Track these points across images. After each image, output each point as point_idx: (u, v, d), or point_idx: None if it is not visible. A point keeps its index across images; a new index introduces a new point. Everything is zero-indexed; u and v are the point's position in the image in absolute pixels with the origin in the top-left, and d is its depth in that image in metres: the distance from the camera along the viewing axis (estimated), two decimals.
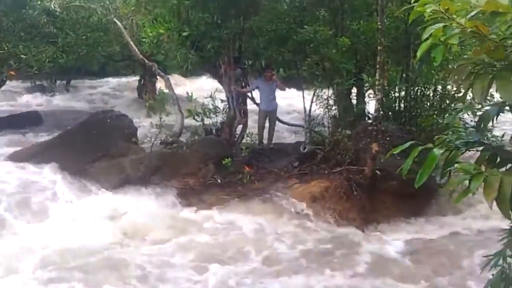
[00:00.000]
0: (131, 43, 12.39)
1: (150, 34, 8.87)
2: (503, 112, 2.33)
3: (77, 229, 6.78)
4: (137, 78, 17.71)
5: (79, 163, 8.83)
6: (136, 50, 12.30)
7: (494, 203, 1.92)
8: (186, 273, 5.82)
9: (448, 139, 2.47)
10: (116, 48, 15.11)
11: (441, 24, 1.95)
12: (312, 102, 9.04)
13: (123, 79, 20.86)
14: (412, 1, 2.20)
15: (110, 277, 5.65)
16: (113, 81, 21.01)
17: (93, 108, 15.18)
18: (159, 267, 5.91)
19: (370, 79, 8.63)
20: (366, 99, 9.75)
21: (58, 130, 10.91)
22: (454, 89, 8.11)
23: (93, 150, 9.09)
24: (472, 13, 1.86)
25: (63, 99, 18.05)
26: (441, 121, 8.28)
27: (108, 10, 13.59)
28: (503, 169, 2.23)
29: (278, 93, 9.59)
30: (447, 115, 8.26)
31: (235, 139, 9.51)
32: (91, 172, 8.68)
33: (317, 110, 9.17)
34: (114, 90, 19.70)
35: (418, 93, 8.89)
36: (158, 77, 13.63)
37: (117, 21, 12.90)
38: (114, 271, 5.80)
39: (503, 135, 4.83)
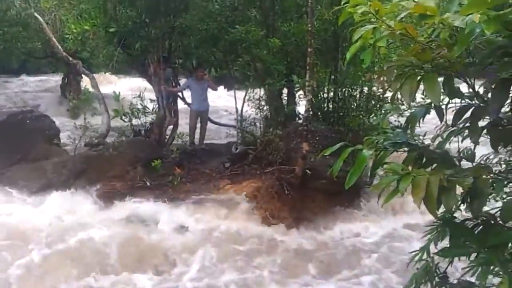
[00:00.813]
0: (54, 39, 11.71)
1: (75, 31, 8.46)
2: (429, 113, 2.40)
3: None
4: (61, 76, 16.86)
5: None
6: (59, 47, 11.63)
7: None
8: None
9: (376, 140, 2.50)
10: (37, 44, 14.34)
11: (371, 26, 1.96)
12: (244, 102, 9.03)
13: (45, 78, 19.81)
14: (342, 3, 2.20)
15: None
16: (34, 79, 19.89)
17: (11, 108, 14.22)
18: None
19: (300, 80, 8.75)
20: (297, 100, 9.89)
21: None
22: (380, 90, 8.41)
23: (11, 153, 8.56)
24: (401, 15, 1.88)
25: None
26: (367, 121, 8.56)
27: (28, 3, 12.80)
28: (429, 169, 2.28)
29: (210, 93, 9.48)
30: (373, 115, 8.58)
31: (165, 140, 9.28)
32: (8, 176, 8.13)
33: (249, 110, 9.18)
34: (36, 89, 18.64)
35: (346, 94, 9.12)
36: (83, 75, 13.05)
37: (38, 16, 12.16)
38: None
39: (424, 134, 5.05)
